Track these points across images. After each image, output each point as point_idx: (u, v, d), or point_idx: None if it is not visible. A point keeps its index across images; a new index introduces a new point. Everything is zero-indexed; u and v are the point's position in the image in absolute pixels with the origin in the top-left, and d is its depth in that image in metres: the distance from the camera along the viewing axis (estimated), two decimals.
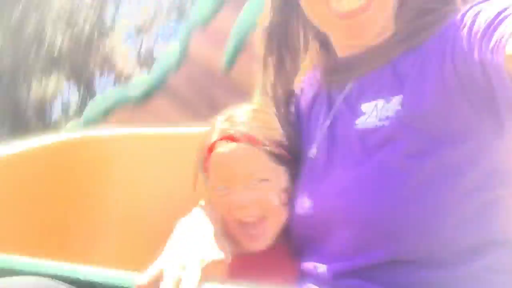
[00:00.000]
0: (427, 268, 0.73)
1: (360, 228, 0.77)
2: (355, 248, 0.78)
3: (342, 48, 0.91)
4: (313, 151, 0.91)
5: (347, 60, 0.90)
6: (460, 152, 0.74)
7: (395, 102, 0.78)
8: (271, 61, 0.99)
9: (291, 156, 0.93)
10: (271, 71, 1.00)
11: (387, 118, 0.77)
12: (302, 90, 1.03)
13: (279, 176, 0.92)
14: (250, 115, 0.96)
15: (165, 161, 1.32)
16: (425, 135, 0.74)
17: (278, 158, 0.91)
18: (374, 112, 0.80)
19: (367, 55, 0.87)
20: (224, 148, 0.91)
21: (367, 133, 0.79)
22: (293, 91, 1.03)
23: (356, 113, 0.83)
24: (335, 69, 0.92)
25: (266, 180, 0.90)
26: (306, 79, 1.03)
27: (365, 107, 0.82)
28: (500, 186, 0.76)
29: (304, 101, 1.00)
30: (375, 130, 0.78)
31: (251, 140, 0.91)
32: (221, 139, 0.92)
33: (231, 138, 0.91)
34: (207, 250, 0.77)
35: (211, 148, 0.93)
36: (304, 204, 0.87)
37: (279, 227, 0.91)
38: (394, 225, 0.74)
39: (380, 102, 0.80)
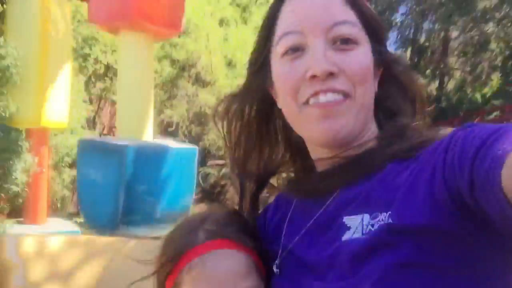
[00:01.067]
0: None
1: None
2: None
3: (322, 162, 0.88)
4: (277, 268, 0.85)
5: (327, 172, 0.87)
6: (452, 270, 0.70)
7: (383, 216, 0.74)
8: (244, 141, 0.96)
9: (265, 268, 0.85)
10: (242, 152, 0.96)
11: (374, 232, 0.74)
12: (269, 208, 1.00)
13: None
14: (232, 218, 0.87)
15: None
16: (416, 249, 0.70)
17: (262, 274, 0.83)
18: (359, 227, 0.77)
19: (348, 167, 0.84)
20: (215, 254, 0.80)
21: (354, 246, 0.75)
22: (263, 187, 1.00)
23: (340, 227, 0.79)
24: (315, 182, 0.89)
25: None
26: (275, 200, 1.01)
27: (350, 220, 0.79)
28: None
29: (274, 218, 0.96)
30: (362, 243, 0.74)
31: (249, 252, 0.82)
32: (211, 243, 0.81)
33: (228, 244, 0.81)
34: None
35: (192, 253, 0.80)
36: None
37: None
38: None
39: (366, 217, 0.77)
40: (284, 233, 0.90)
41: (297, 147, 0.95)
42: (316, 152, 0.89)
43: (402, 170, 0.78)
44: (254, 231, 0.90)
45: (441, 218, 0.69)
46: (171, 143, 5.10)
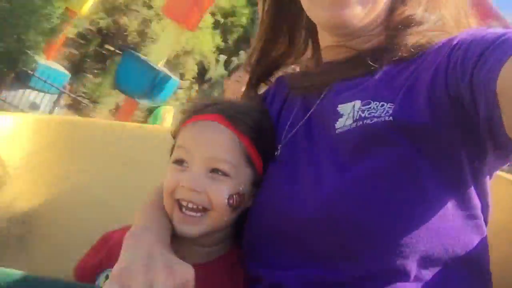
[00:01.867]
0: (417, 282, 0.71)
1: (346, 237, 0.72)
2: (339, 257, 0.73)
3: (328, 51, 0.89)
4: (279, 152, 0.88)
5: (331, 64, 0.88)
6: (441, 171, 0.72)
7: (376, 105, 0.75)
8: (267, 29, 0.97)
9: (261, 160, 0.89)
10: (263, 41, 0.98)
11: (364, 119, 0.75)
12: (269, 94, 1.02)
13: (243, 178, 0.86)
14: (246, 107, 0.92)
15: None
16: (412, 147, 0.71)
17: (251, 161, 0.87)
18: (351, 113, 0.77)
19: (352, 60, 0.84)
20: (206, 123, 0.87)
21: (353, 138, 0.76)
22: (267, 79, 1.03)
23: (334, 113, 0.80)
24: (311, 79, 0.90)
25: (228, 176, 0.85)
26: (273, 85, 1.03)
27: (342, 108, 0.79)
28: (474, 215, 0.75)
29: (273, 105, 0.98)
30: (353, 132, 0.75)
31: (236, 132, 0.86)
32: (211, 114, 0.87)
33: (221, 119, 0.86)
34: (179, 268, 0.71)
35: (196, 116, 0.89)
36: (272, 207, 0.82)
37: (218, 226, 0.85)
38: (382, 235, 0.70)
39: (357, 103, 0.77)
40: (282, 123, 0.92)
41: (308, 34, 0.97)
42: (324, 39, 0.90)
43: (402, 69, 0.78)
44: (268, 132, 0.91)
45: (439, 120, 0.70)
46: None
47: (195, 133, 0.88)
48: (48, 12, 7.86)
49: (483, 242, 0.77)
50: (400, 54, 0.80)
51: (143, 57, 8.73)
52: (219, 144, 0.86)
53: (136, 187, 1.15)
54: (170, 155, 0.92)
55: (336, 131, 0.79)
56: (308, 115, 0.88)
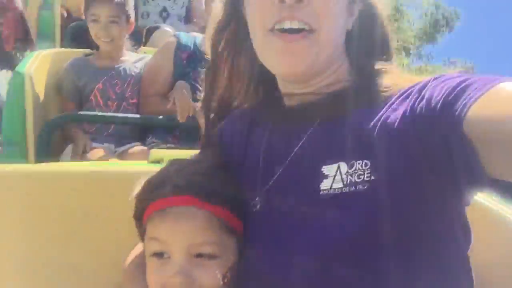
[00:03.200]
0: None
1: None
2: None
3: (290, 98, 0.87)
4: (256, 204, 0.84)
5: (297, 107, 0.85)
6: (429, 223, 0.72)
7: (359, 165, 0.73)
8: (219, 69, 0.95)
9: (240, 220, 0.83)
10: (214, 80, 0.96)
11: (355, 184, 0.73)
12: (226, 131, 0.97)
13: (230, 251, 0.81)
14: (209, 171, 0.85)
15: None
16: (396, 199, 0.71)
17: (231, 229, 0.81)
18: (338, 176, 0.75)
19: (317, 104, 0.82)
20: (179, 210, 0.80)
21: (335, 200, 0.74)
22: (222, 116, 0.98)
23: (316, 174, 0.77)
24: (284, 115, 0.87)
25: (215, 257, 0.79)
26: (235, 113, 0.98)
27: (327, 169, 0.77)
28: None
29: (234, 141, 0.94)
30: (343, 196, 0.74)
31: (211, 209, 0.80)
32: (176, 197, 0.80)
33: (195, 202, 0.80)
34: None
35: (159, 203, 0.81)
36: (260, 278, 0.79)
37: None
38: None
39: (343, 166, 0.75)
40: (251, 158, 0.89)
41: (264, 79, 0.93)
42: (285, 86, 0.88)
43: (371, 116, 0.76)
44: (232, 186, 0.85)
45: (414, 168, 0.70)
46: None
47: (169, 223, 0.80)
48: None
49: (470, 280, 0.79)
50: (365, 102, 0.79)
51: None
52: (198, 229, 0.80)
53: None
54: (141, 238, 0.88)
55: (321, 192, 0.76)
56: (286, 165, 0.84)
